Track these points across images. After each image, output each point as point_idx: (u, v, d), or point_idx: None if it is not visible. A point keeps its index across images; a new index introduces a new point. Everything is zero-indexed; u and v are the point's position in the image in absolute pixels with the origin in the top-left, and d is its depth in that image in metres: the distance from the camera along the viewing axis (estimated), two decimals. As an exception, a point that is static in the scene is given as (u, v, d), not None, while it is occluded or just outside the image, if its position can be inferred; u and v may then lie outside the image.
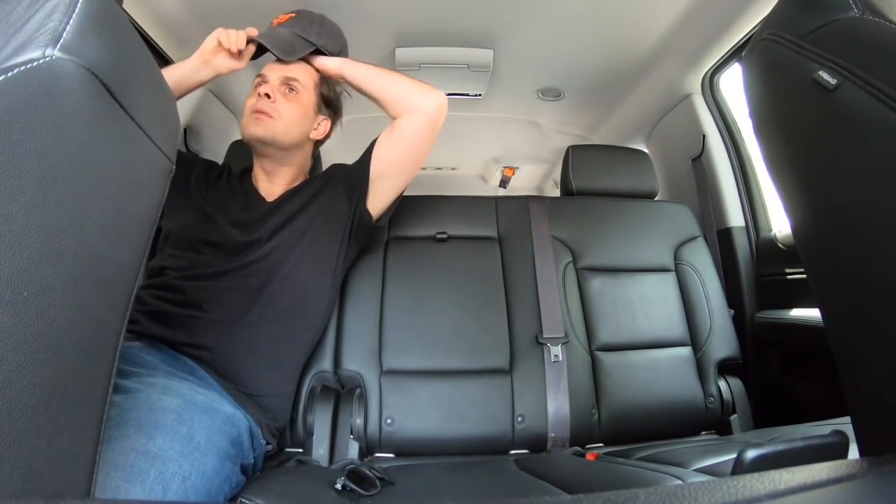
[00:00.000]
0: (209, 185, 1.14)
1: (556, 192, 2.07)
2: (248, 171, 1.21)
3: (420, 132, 1.10)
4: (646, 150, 1.88)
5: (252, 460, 0.85)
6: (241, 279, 0.99)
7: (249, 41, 1.05)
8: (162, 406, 0.70)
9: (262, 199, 1.12)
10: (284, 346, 1.01)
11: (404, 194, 1.25)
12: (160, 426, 0.67)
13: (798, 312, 1.31)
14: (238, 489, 0.79)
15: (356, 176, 1.12)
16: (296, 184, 1.16)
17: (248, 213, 1.08)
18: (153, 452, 0.63)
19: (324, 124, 1.17)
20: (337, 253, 1.11)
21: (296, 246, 1.04)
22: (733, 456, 0.44)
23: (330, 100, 1.18)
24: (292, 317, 1.03)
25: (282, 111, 1.07)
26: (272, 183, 1.15)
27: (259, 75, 1.11)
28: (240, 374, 0.93)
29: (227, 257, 1.00)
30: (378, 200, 1.13)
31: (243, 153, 1.40)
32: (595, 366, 1.23)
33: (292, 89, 1.10)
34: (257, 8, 1.35)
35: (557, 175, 2.17)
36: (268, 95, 1.06)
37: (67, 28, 0.35)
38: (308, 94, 1.12)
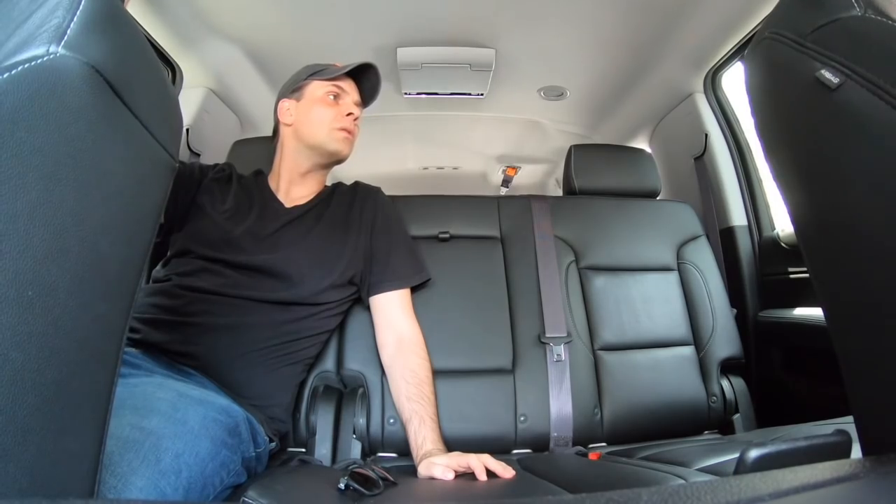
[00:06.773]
0: (220, 192, 1.13)
1: (559, 192, 2.07)
2: (260, 173, 1.21)
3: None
4: (648, 149, 1.88)
5: (254, 454, 0.84)
6: (245, 290, 0.99)
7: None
8: (157, 396, 0.71)
9: (280, 205, 1.12)
10: (284, 362, 1.01)
11: (407, 194, 1.32)
12: (155, 410, 0.68)
13: (800, 312, 1.30)
14: (237, 480, 0.79)
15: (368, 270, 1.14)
16: (316, 192, 1.18)
17: (261, 223, 1.07)
18: (148, 429, 0.64)
19: None
20: (349, 291, 1.12)
21: (306, 264, 1.04)
22: (736, 455, 0.44)
23: None
24: (295, 335, 1.02)
25: (356, 133, 1.16)
26: (301, 186, 1.16)
27: (337, 86, 1.14)
28: (237, 384, 0.94)
29: (234, 270, 1.00)
30: None
31: (246, 154, 1.40)
32: (598, 365, 1.23)
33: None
34: (259, 8, 1.36)
35: (560, 174, 2.17)
36: (356, 118, 1.14)
37: (71, 25, 0.35)
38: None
